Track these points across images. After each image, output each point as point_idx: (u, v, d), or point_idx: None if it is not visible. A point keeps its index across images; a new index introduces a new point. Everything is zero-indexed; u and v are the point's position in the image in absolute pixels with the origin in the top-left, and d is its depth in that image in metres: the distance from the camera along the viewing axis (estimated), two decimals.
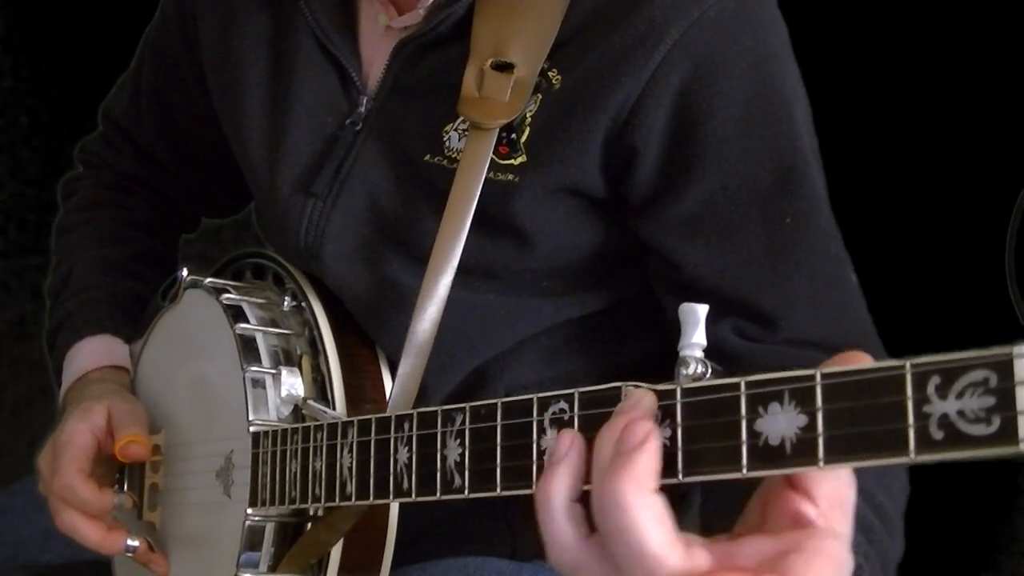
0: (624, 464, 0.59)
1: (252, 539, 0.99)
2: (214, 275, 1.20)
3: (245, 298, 1.09)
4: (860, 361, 0.56)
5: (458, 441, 0.74)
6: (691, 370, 0.63)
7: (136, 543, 1.09)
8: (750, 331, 0.95)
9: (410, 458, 0.78)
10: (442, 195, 0.97)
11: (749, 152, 0.94)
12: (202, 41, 1.19)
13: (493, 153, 0.97)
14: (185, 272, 1.14)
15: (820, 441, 0.55)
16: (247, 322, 1.05)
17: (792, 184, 0.95)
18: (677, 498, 1.07)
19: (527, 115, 0.97)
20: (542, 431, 0.68)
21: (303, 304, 1.09)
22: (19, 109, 2.53)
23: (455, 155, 0.99)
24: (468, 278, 1.00)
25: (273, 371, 1.02)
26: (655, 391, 0.63)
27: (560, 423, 0.67)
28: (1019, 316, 1.24)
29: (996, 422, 0.49)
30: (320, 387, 1.04)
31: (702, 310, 0.64)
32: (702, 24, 0.92)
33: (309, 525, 1.00)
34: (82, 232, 1.32)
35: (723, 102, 0.92)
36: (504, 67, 0.97)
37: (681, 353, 0.63)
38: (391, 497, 0.81)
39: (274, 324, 1.07)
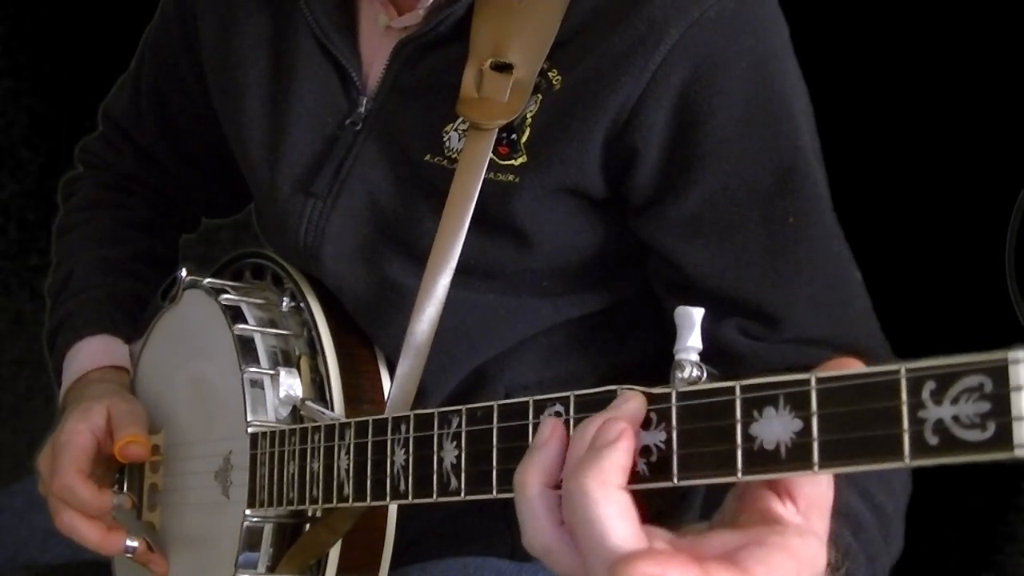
0: (595, 459, 0.59)
1: (251, 540, 0.99)
2: (213, 275, 1.20)
3: (244, 298, 1.09)
4: (854, 366, 0.56)
5: (455, 443, 0.74)
6: (686, 373, 0.63)
7: (135, 543, 1.09)
8: (754, 330, 0.95)
9: (407, 460, 0.78)
10: (442, 195, 0.97)
11: (750, 152, 0.94)
12: (202, 41, 1.19)
13: (493, 153, 0.97)
14: (184, 272, 1.14)
15: (815, 446, 0.55)
16: (246, 323, 1.06)
17: (793, 184, 0.94)
18: (677, 497, 1.08)
19: (527, 115, 0.97)
20: None
21: (302, 304, 1.09)
22: (19, 109, 2.53)
23: (455, 155, 0.99)
24: (468, 278, 1.00)
25: (271, 372, 1.02)
26: (650, 394, 0.63)
27: None
28: (1019, 316, 1.24)
29: (991, 428, 0.49)
30: (318, 388, 1.04)
31: (697, 313, 0.64)
32: (702, 24, 0.92)
33: (307, 526, 1.00)
34: (82, 232, 1.32)
35: (723, 102, 0.92)
36: (503, 67, 0.97)
37: (676, 356, 0.63)
38: (388, 499, 0.81)
39: (273, 325, 1.07)
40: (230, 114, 1.16)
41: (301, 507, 0.94)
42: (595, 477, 0.59)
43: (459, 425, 0.74)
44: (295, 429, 0.93)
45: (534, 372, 1.08)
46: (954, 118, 1.77)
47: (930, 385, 0.51)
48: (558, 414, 0.67)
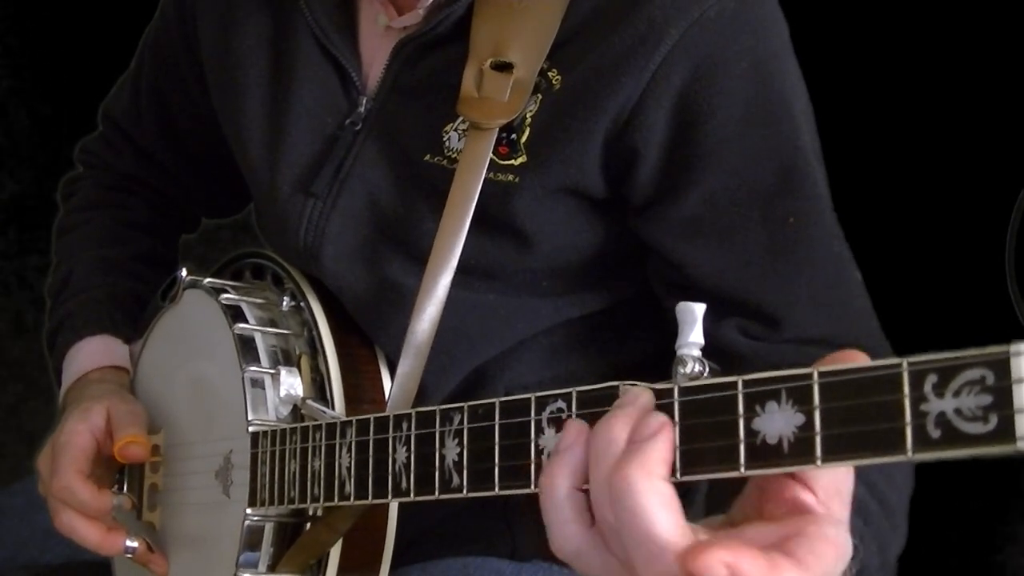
0: (638, 452, 0.60)
1: (251, 539, 0.99)
2: (213, 275, 1.20)
3: (244, 298, 1.09)
4: (857, 360, 0.56)
5: (456, 440, 0.74)
6: (688, 369, 0.63)
7: (135, 544, 1.09)
8: (754, 330, 0.95)
9: (408, 458, 0.78)
10: (442, 195, 0.97)
11: (750, 152, 0.94)
12: (202, 41, 1.19)
13: (493, 153, 0.97)
14: (184, 272, 1.14)
15: (817, 440, 0.55)
16: (246, 322, 1.05)
17: (793, 184, 0.95)
18: (679, 495, 1.08)
19: (527, 115, 0.97)
20: (540, 430, 0.68)
21: (302, 304, 1.09)
22: (19, 109, 2.53)
23: (455, 155, 0.99)
24: (468, 278, 1.00)
25: (272, 371, 1.02)
26: (652, 390, 0.63)
27: (558, 422, 0.67)
28: (1019, 316, 1.24)
29: (993, 420, 0.49)
30: (319, 387, 1.04)
31: (699, 309, 0.64)
32: (702, 24, 0.92)
33: (308, 525, 1.00)
34: (82, 232, 1.32)
35: (724, 102, 0.92)
36: (503, 67, 0.97)
37: (678, 352, 0.63)
38: (389, 497, 0.81)
39: (273, 324, 1.07)
40: (230, 114, 1.16)
41: (302, 506, 0.94)
42: (639, 468, 0.59)
43: (461, 422, 0.74)
44: (296, 428, 0.93)
45: (534, 372, 1.08)
46: (954, 118, 1.77)
47: (932, 378, 0.51)
48: (560, 410, 0.67)
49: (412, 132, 1.02)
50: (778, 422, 0.57)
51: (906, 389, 0.52)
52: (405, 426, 0.79)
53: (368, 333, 1.08)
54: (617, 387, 0.64)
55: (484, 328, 1.05)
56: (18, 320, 2.54)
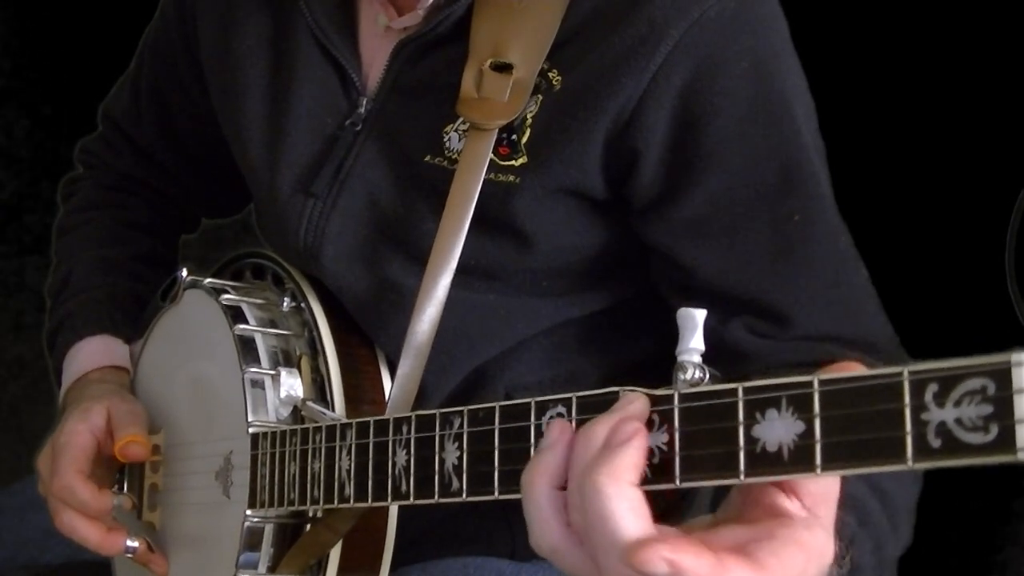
0: (608, 457, 0.60)
1: (251, 540, 0.99)
2: (213, 275, 1.20)
3: (244, 299, 1.09)
4: (857, 369, 0.57)
5: (456, 444, 0.74)
6: (689, 375, 0.63)
7: (136, 544, 1.09)
8: (763, 328, 0.95)
9: (408, 461, 0.78)
10: (442, 196, 0.97)
11: (752, 151, 0.94)
12: (201, 41, 1.19)
13: (493, 154, 0.97)
14: (185, 272, 1.14)
15: (817, 448, 0.55)
16: (246, 323, 1.05)
17: (796, 182, 0.95)
18: (678, 497, 1.08)
19: (527, 116, 0.97)
20: (540, 435, 0.68)
21: (302, 305, 1.09)
22: (19, 109, 2.53)
23: (455, 156, 0.99)
24: (468, 278, 1.00)
25: (272, 372, 1.02)
26: (652, 396, 0.63)
27: None
28: (1019, 316, 1.24)
29: (994, 430, 0.49)
30: (319, 388, 1.04)
31: (700, 315, 0.64)
32: (702, 24, 0.92)
33: (308, 526, 1.00)
34: (82, 233, 1.32)
35: (725, 102, 0.92)
36: (503, 67, 0.97)
37: (679, 358, 0.63)
38: (389, 500, 0.81)
39: (273, 325, 1.07)
40: (230, 114, 1.16)
41: (302, 507, 0.94)
42: (608, 474, 0.59)
43: (461, 426, 0.74)
44: (296, 429, 0.93)
45: (534, 372, 1.08)
46: (954, 118, 1.77)
47: (933, 387, 0.51)
48: (560, 415, 0.67)
49: (412, 132, 1.02)
50: (778, 429, 0.57)
51: (907, 398, 0.52)
52: (405, 429, 0.79)
53: (368, 333, 1.08)
54: (617, 393, 0.64)
55: (484, 328, 1.05)
56: (18, 320, 2.54)
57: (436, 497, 0.75)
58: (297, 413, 1.02)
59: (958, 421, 0.50)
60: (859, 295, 0.98)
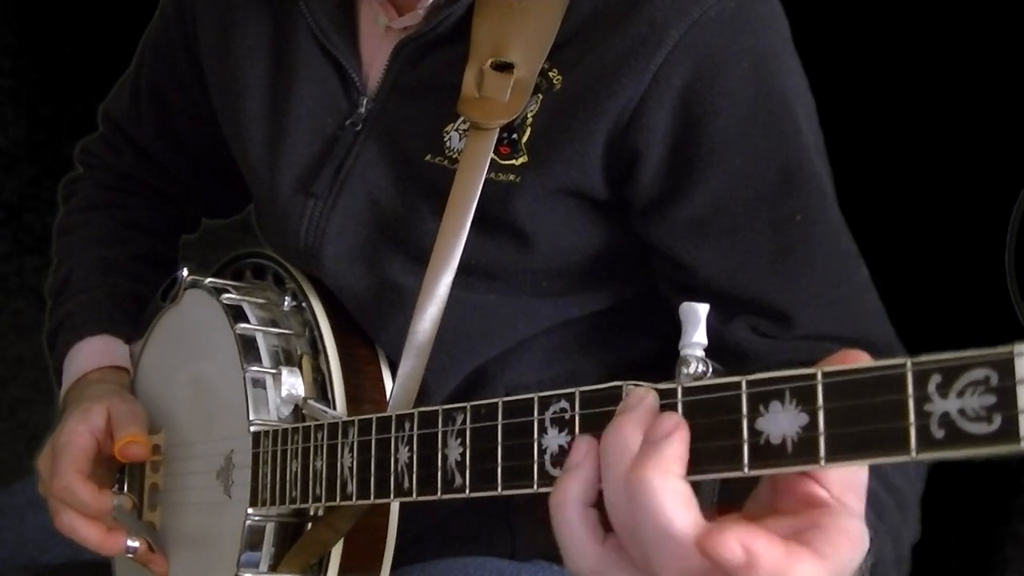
0: (653, 451, 0.59)
1: (252, 539, 0.99)
2: (214, 275, 1.20)
3: (245, 298, 1.09)
4: (860, 360, 0.57)
5: (459, 440, 0.74)
6: (692, 369, 0.63)
7: (137, 544, 1.09)
8: (765, 328, 0.95)
9: (411, 458, 0.78)
10: (442, 195, 0.97)
11: (753, 151, 0.94)
12: (201, 41, 1.19)
13: (494, 153, 0.97)
14: (185, 272, 1.14)
15: (821, 440, 0.55)
16: (247, 322, 1.05)
17: (797, 182, 0.95)
18: None
19: (528, 115, 0.97)
20: (543, 430, 0.68)
21: (303, 304, 1.09)
22: (19, 109, 2.54)
23: (455, 155, 0.99)
24: (468, 278, 1.00)
25: (273, 371, 1.02)
26: (656, 390, 0.63)
27: (561, 422, 0.67)
28: (1019, 316, 1.24)
29: (997, 420, 0.49)
30: (320, 387, 1.04)
31: (703, 309, 0.64)
32: (703, 24, 0.92)
33: (309, 525, 1.00)
34: (82, 233, 1.32)
35: (725, 102, 0.92)
36: (504, 67, 0.97)
37: (682, 352, 0.63)
38: (392, 497, 0.81)
39: (274, 324, 1.07)
40: (230, 115, 1.16)
41: (303, 506, 0.94)
42: (655, 468, 0.59)
43: (463, 422, 0.74)
44: (298, 427, 0.93)
45: (535, 372, 1.08)
46: (954, 118, 1.77)
47: (936, 378, 0.52)
48: (563, 411, 0.67)
49: (413, 132, 1.02)
50: (782, 422, 0.57)
51: (910, 389, 0.52)
52: (407, 426, 0.79)
53: (369, 333, 1.08)
54: (621, 387, 0.64)
55: (485, 328, 1.05)
56: (18, 320, 2.54)
57: (439, 494, 0.75)
58: (298, 412, 1.02)
59: (961, 412, 0.50)
60: (860, 295, 0.98)
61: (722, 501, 0.93)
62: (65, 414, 1.14)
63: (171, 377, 1.16)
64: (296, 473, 0.92)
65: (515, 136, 0.97)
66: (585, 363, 1.10)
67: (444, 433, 0.75)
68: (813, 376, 0.56)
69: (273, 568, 0.99)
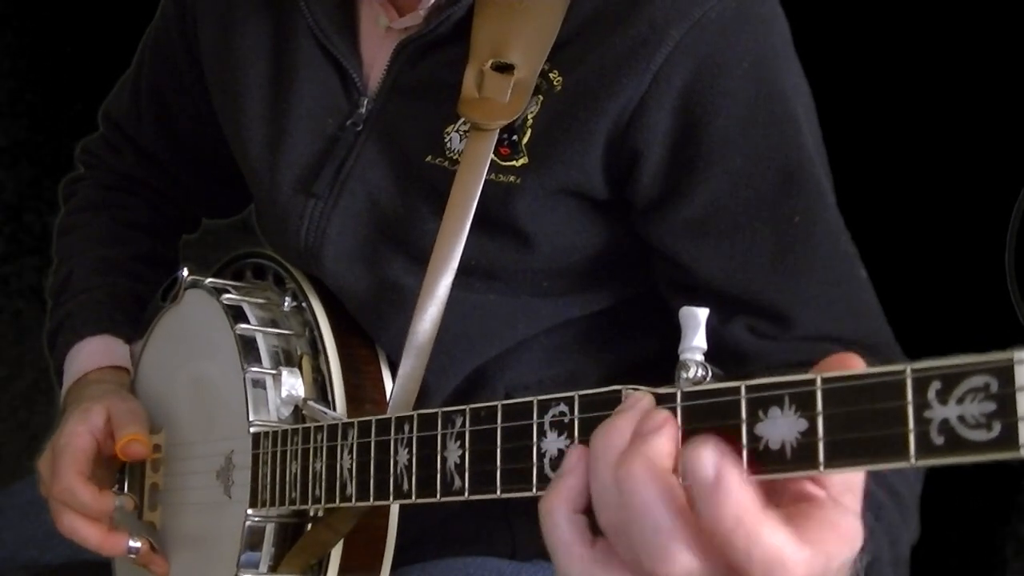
0: (642, 446, 0.59)
1: (252, 539, 0.99)
2: (214, 275, 1.20)
3: (245, 298, 1.09)
4: (854, 363, 0.56)
5: (458, 443, 0.74)
6: (691, 374, 0.62)
7: (138, 544, 1.09)
8: (764, 329, 0.95)
9: (410, 460, 0.78)
10: (443, 196, 0.97)
11: (754, 152, 0.94)
12: (202, 41, 1.19)
13: (494, 154, 0.97)
14: (185, 272, 1.14)
15: (820, 446, 0.55)
16: (247, 322, 1.05)
17: (797, 183, 0.95)
18: None
19: (528, 116, 0.97)
20: (542, 433, 0.68)
21: (303, 304, 1.09)
22: (19, 109, 2.54)
23: (456, 156, 0.99)
24: (469, 279, 1.00)
25: (273, 372, 1.02)
26: (655, 394, 0.63)
27: (560, 426, 0.67)
28: (1019, 316, 1.24)
29: (997, 428, 0.49)
30: (320, 388, 1.04)
31: (702, 314, 0.64)
32: (703, 25, 0.92)
33: (309, 526, 1.00)
34: (82, 233, 1.32)
35: (726, 103, 0.92)
36: (504, 68, 0.97)
37: (681, 357, 0.63)
38: (391, 499, 0.81)
39: (274, 324, 1.07)
40: (230, 115, 1.16)
41: (303, 507, 0.94)
42: (644, 462, 0.58)
43: (463, 425, 0.74)
44: (298, 429, 0.93)
45: (535, 372, 1.08)
46: (954, 118, 1.77)
47: (936, 385, 0.51)
48: (562, 414, 0.67)
49: (413, 133, 1.02)
50: (781, 427, 0.57)
51: (909, 395, 0.52)
52: (407, 428, 0.79)
53: (369, 333, 1.08)
54: (620, 391, 0.64)
55: (485, 328, 1.05)
56: (18, 320, 2.54)
57: (438, 496, 0.75)
58: (298, 413, 1.02)
59: (961, 418, 0.50)
60: (860, 295, 0.99)
61: None
62: (65, 414, 1.14)
63: (171, 377, 1.16)
64: (296, 474, 0.92)
65: (515, 137, 0.97)
66: (585, 363, 1.10)
67: (443, 435, 0.75)
68: (812, 382, 0.56)
69: (273, 568, 0.99)
